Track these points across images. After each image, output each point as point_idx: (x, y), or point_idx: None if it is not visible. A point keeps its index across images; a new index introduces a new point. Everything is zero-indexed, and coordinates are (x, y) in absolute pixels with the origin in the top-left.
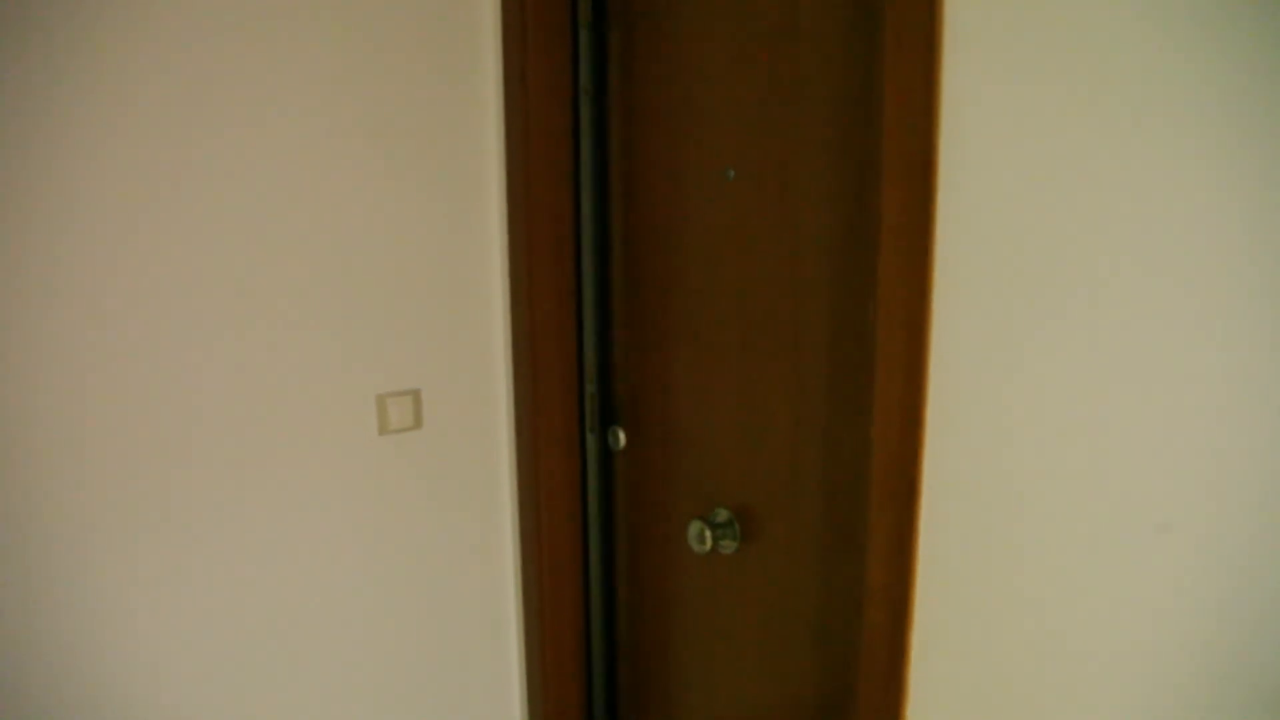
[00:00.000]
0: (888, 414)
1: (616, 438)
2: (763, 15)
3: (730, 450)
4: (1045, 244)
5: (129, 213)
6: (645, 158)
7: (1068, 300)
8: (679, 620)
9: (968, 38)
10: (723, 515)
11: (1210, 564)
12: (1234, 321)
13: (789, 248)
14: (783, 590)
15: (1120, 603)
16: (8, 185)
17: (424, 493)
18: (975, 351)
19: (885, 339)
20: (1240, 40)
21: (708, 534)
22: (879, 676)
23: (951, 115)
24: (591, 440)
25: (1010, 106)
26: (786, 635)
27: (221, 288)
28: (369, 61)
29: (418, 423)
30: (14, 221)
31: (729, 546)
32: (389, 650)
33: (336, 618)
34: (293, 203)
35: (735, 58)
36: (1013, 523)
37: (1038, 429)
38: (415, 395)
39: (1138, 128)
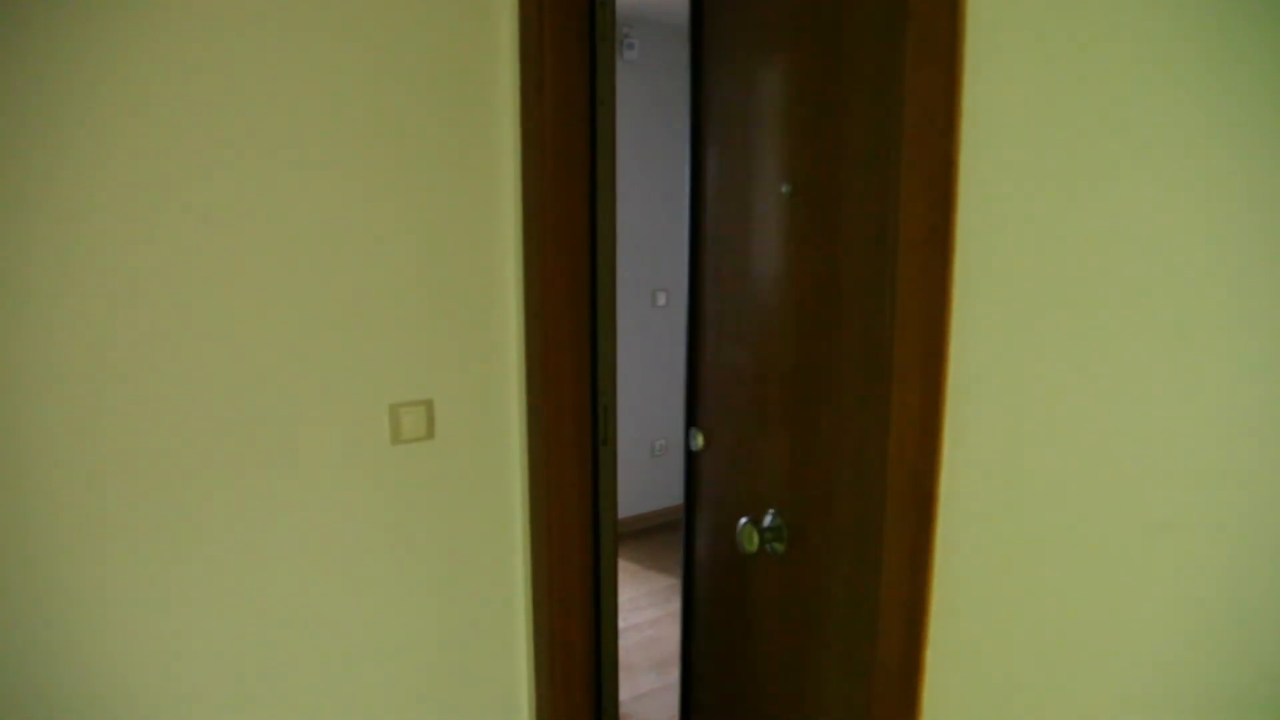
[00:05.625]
0: (904, 425)
1: (696, 440)
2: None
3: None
4: (1059, 253)
5: (146, 225)
6: (699, 174)
7: (1078, 307)
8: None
9: (990, 42)
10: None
11: (1236, 567)
12: (1238, 323)
13: (830, 263)
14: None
15: (1137, 612)
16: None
17: (435, 504)
18: (991, 360)
19: (901, 350)
20: (1262, 42)
21: (755, 535)
22: (894, 694)
23: (972, 124)
24: (605, 452)
25: (1030, 114)
26: (817, 643)
27: (240, 297)
28: (386, 76)
29: (430, 433)
30: (23, 225)
31: (778, 549)
32: (398, 657)
33: (348, 624)
34: (310, 215)
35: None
36: (1028, 530)
37: (1053, 435)
38: (428, 405)
39: (1158, 133)
